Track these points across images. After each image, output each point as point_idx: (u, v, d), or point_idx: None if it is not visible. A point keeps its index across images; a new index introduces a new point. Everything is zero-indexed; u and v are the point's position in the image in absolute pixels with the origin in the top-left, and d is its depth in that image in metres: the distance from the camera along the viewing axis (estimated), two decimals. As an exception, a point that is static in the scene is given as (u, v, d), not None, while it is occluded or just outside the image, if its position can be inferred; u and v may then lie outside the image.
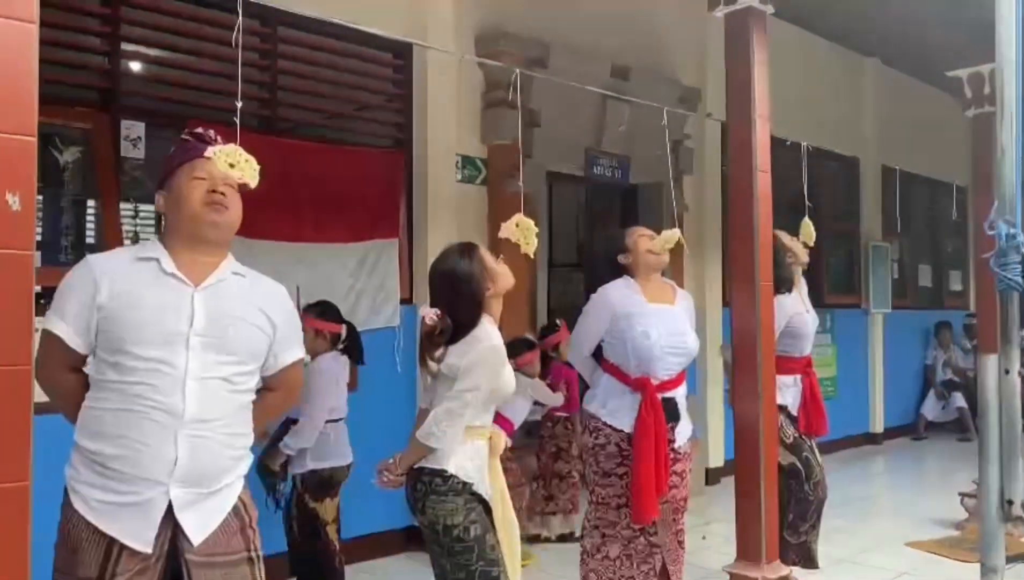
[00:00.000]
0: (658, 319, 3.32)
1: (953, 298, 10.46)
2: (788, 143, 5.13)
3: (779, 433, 4.08)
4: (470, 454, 2.76)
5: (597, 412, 3.37)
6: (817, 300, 4.90)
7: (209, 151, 2.12)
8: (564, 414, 5.10)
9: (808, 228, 4.55)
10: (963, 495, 5.52)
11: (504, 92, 4.81)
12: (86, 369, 2.10)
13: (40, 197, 3.70)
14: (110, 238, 3.88)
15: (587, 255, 7.61)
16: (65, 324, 2.02)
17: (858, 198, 8.75)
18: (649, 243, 3.44)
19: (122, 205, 3.98)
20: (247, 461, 2.18)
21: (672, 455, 3.35)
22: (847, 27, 7.82)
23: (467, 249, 2.86)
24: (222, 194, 2.11)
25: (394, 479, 2.80)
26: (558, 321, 5.43)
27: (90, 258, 2.11)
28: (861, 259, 8.67)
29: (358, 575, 4.51)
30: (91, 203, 3.97)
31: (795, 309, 4.18)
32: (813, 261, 5.03)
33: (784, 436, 4.12)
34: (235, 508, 2.11)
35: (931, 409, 9.34)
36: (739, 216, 4.08)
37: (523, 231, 3.25)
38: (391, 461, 2.81)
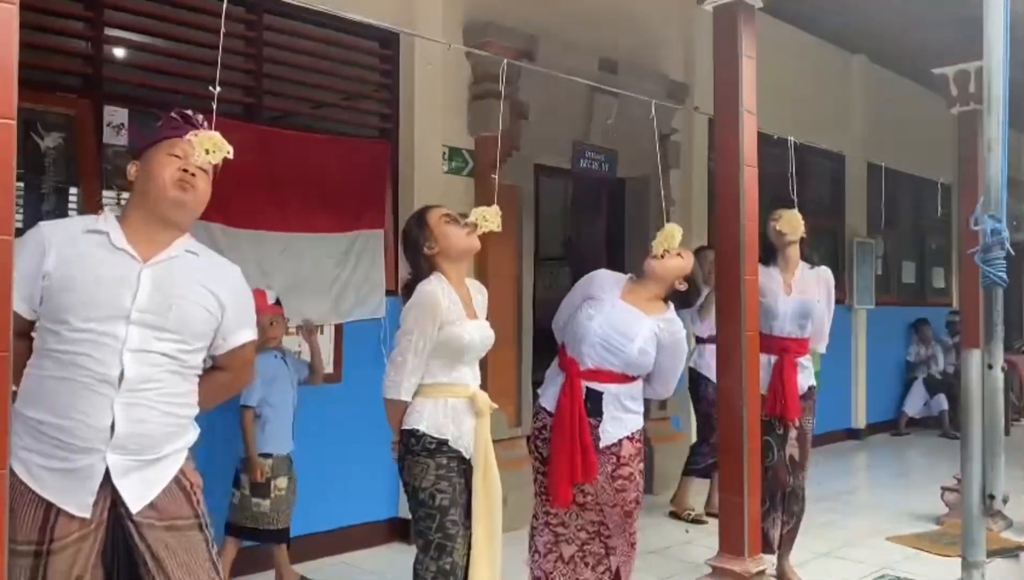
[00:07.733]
0: (615, 314, 3.23)
1: (936, 295, 10.52)
2: (775, 138, 5.13)
3: None
4: (443, 411, 2.78)
5: (541, 394, 3.38)
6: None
7: (190, 134, 2.14)
8: None
9: (795, 219, 4.51)
10: (944, 490, 5.56)
11: (492, 84, 4.78)
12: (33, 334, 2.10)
13: (21, 184, 3.66)
14: (92, 226, 3.83)
15: (576, 248, 7.60)
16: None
17: (843, 194, 8.78)
18: (681, 279, 3.35)
19: (104, 192, 3.93)
20: (192, 433, 2.19)
21: (615, 459, 3.23)
22: (834, 24, 7.83)
23: (418, 212, 2.97)
24: (192, 175, 2.13)
25: (395, 447, 2.87)
26: None
27: (43, 225, 2.12)
28: (845, 255, 8.69)
29: (340, 566, 4.50)
30: (73, 190, 3.92)
31: (767, 286, 4.19)
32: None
33: None
34: (176, 478, 2.13)
35: (913, 406, 9.39)
36: (725, 210, 4.08)
37: (480, 217, 3.01)
38: None
